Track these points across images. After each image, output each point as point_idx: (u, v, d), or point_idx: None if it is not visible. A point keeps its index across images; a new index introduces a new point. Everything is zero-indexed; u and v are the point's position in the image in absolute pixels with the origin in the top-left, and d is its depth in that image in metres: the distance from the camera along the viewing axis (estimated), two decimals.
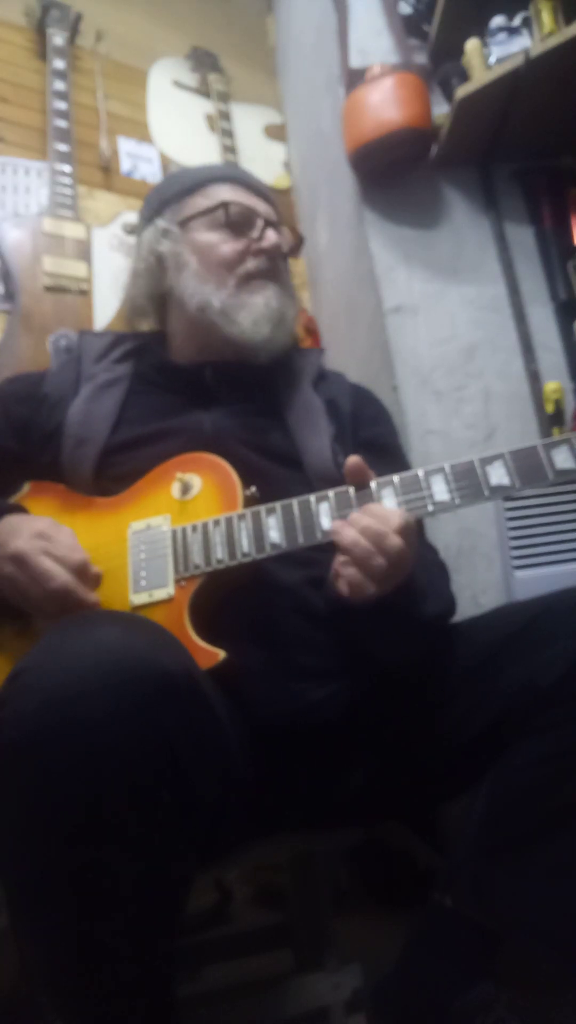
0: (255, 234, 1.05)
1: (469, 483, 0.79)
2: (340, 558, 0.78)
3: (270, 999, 0.95)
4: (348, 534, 0.76)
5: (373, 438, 1.06)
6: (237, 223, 1.05)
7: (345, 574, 0.77)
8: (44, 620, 0.83)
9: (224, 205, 1.05)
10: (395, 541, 0.74)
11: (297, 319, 1.11)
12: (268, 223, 1.07)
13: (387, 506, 0.79)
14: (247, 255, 1.05)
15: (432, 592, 0.88)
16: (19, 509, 0.92)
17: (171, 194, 1.10)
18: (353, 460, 0.81)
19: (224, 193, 1.07)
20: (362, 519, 0.77)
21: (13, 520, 0.84)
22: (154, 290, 1.10)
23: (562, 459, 0.77)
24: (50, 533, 0.81)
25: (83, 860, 0.57)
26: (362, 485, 0.81)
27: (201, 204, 1.07)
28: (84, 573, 0.80)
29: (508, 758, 0.80)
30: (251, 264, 1.05)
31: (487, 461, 0.79)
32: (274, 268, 1.07)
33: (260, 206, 1.08)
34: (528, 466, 0.77)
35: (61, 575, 0.78)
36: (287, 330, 1.07)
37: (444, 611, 0.91)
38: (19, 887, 0.60)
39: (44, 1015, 0.63)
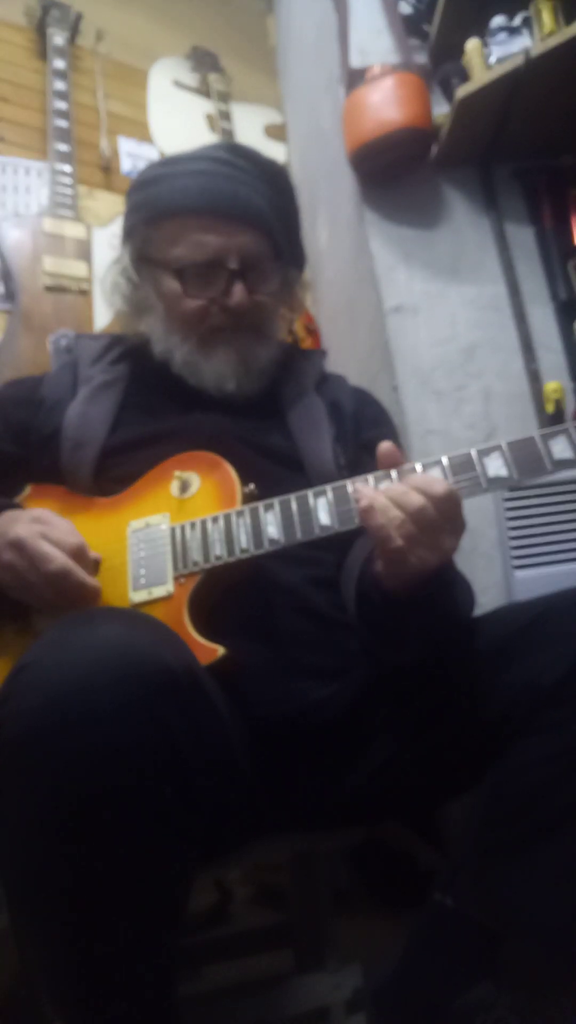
0: (220, 287, 0.98)
1: (467, 475, 0.78)
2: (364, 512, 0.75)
3: (270, 999, 0.95)
4: (367, 492, 0.75)
5: (375, 439, 1.04)
6: (199, 280, 0.98)
7: (369, 523, 0.74)
8: (43, 611, 0.83)
9: (178, 271, 0.99)
10: (415, 499, 0.72)
11: (274, 357, 1.06)
12: (235, 274, 0.97)
13: None
14: (212, 308, 0.99)
15: (462, 587, 0.87)
16: (15, 506, 0.92)
17: (136, 221, 1.03)
18: (387, 444, 0.80)
19: (189, 234, 0.98)
20: (389, 485, 0.75)
21: (11, 513, 0.85)
22: (134, 315, 1.08)
23: (560, 449, 0.76)
24: (47, 519, 0.82)
25: (85, 856, 0.57)
26: (358, 478, 0.81)
27: (162, 246, 1.00)
28: (82, 556, 0.80)
29: (510, 758, 0.80)
30: (216, 319, 1.00)
31: (485, 452, 0.78)
32: (242, 320, 1.00)
33: (234, 240, 0.97)
34: (526, 457, 0.77)
35: (59, 557, 0.77)
36: (259, 373, 1.03)
37: (470, 608, 0.89)
38: (20, 884, 0.60)
39: (44, 1015, 0.62)
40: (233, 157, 1.01)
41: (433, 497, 0.73)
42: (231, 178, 0.99)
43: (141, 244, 1.03)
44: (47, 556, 0.77)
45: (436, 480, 0.74)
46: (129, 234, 1.06)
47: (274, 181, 1.04)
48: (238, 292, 0.98)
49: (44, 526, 0.80)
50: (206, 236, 0.97)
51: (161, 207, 1.00)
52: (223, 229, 0.98)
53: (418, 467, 0.80)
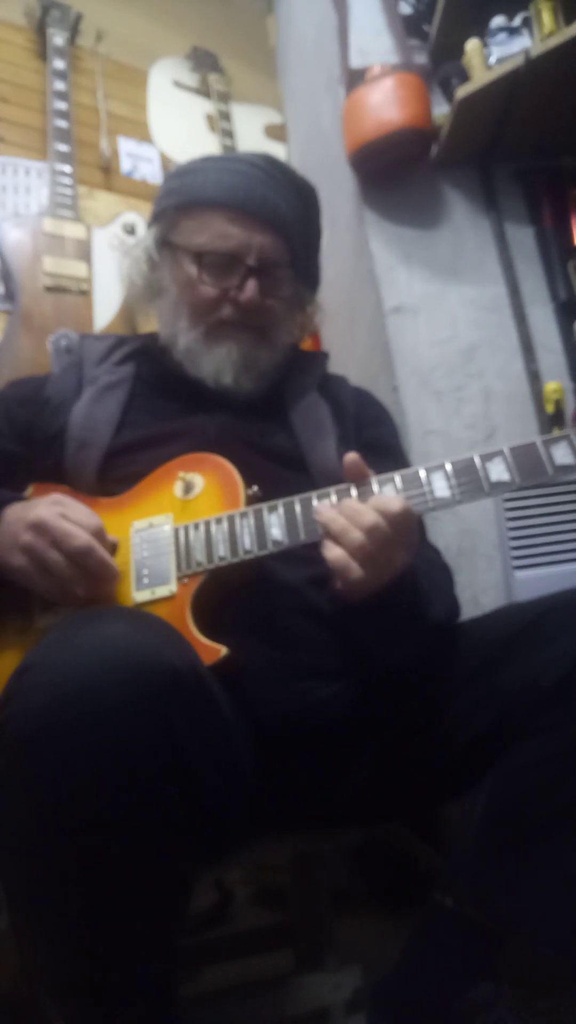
0: (234, 281, 1.00)
1: (470, 479, 0.79)
2: (324, 543, 0.79)
3: (270, 999, 0.95)
4: (328, 512, 0.78)
5: (375, 439, 1.06)
6: (216, 269, 1.00)
7: (327, 555, 0.78)
8: (52, 598, 0.82)
9: (198, 255, 1.00)
10: (371, 516, 0.75)
11: (276, 361, 1.06)
12: (253, 270, 0.99)
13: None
14: (223, 301, 1.01)
15: (436, 595, 0.88)
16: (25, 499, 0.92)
17: (168, 206, 1.06)
18: (351, 457, 0.82)
19: (215, 224, 1.00)
20: (346, 501, 0.79)
21: (25, 502, 0.86)
22: (147, 303, 1.10)
23: (562, 455, 0.77)
24: (66, 501, 0.83)
25: (88, 856, 0.57)
26: (361, 482, 0.82)
27: (188, 233, 1.03)
28: (102, 537, 0.81)
29: (509, 758, 0.80)
30: (225, 312, 1.01)
31: (487, 458, 0.79)
32: (250, 318, 1.02)
33: (255, 239, 1.00)
34: (528, 462, 0.78)
35: (83, 534, 0.78)
36: (259, 372, 1.03)
37: (448, 615, 0.92)
38: (22, 883, 0.60)
39: (44, 1015, 0.63)
40: (269, 166, 1.04)
41: (388, 515, 0.76)
42: (264, 183, 1.02)
43: (167, 228, 1.06)
44: (70, 533, 0.77)
45: (392, 498, 0.77)
46: (157, 218, 1.08)
47: (304, 198, 1.07)
48: (250, 288, 0.99)
49: (63, 507, 0.81)
50: (231, 229, 1.00)
51: (194, 196, 1.03)
52: (248, 226, 1.00)
53: (422, 473, 0.81)
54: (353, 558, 0.76)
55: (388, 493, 0.81)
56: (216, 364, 1.01)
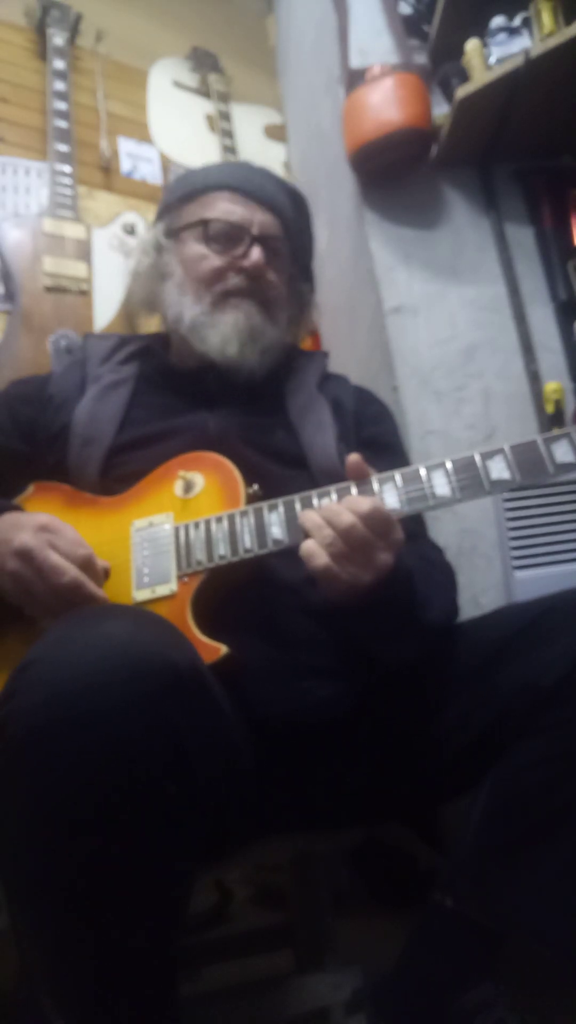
0: (240, 251, 1.04)
1: (470, 477, 0.80)
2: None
3: (270, 999, 0.94)
4: (308, 512, 0.80)
5: (375, 436, 1.06)
6: (222, 238, 1.05)
7: (301, 548, 0.78)
8: (47, 620, 0.83)
9: (204, 222, 1.05)
10: (347, 517, 0.76)
11: (278, 343, 1.08)
12: (256, 239, 1.04)
13: (387, 501, 0.80)
14: (229, 271, 1.04)
15: (434, 596, 0.88)
16: (16, 508, 0.92)
17: (173, 198, 1.11)
18: (353, 457, 0.83)
19: (219, 204, 1.06)
20: (327, 504, 0.80)
21: (13, 516, 0.84)
22: (150, 294, 1.12)
23: (562, 453, 0.78)
24: (54, 527, 0.81)
25: (88, 854, 0.57)
26: (362, 481, 0.82)
27: (193, 214, 1.07)
28: (91, 567, 0.80)
29: (509, 759, 0.80)
30: (231, 282, 1.04)
31: (488, 455, 0.80)
32: (256, 286, 1.05)
33: (256, 216, 1.05)
34: (528, 460, 0.78)
35: (70, 570, 0.77)
36: (263, 347, 1.04)
37: (446, 615, 0.92)
38: (22, 882, 0.60)
39: (44, 1015, 0.62)
40: (264, 170, 1.13)
41: (360, 514, 0.76)
42: (260, 175, 1.11)
43: (172, 219, 1.10)
44: (57, 568, 0.76)
45: (363, 499, 0.78)
46: (162, 213, 1.13)
47: (296, 202, 1.14)
48: (256, 253, 1.03)
49: (52, 535, 0.79)
50: (234, 206, 1.06)
51: (197, 185, 1.10)
52: (249, 203, 1.07)
53: (422, 471, 0.81)
54: (325, 552, 0.77)
55: (388, 492, 0.81)
56: (222, 335, 1.02)
